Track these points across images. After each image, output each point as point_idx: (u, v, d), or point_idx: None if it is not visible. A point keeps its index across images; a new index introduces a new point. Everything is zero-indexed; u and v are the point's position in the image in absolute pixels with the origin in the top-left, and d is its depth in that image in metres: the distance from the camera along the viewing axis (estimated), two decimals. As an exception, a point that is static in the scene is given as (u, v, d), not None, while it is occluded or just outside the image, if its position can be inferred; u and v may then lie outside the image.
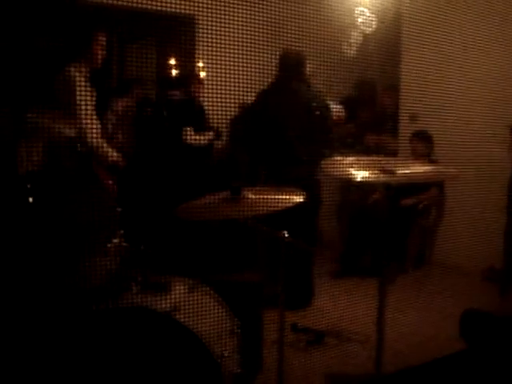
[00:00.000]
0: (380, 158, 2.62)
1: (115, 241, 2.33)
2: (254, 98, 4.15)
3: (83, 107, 3.42)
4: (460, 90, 5.29)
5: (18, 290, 2.51)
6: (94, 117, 3.54)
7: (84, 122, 3.44)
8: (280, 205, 2.37)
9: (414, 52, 5.64)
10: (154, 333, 2.17)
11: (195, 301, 2.40)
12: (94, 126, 3.54)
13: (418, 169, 2.50)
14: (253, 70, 4.29)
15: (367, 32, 3.42)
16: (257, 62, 4.15)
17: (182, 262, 3.84)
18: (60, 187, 2.88)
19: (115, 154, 3.69)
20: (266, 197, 2.45)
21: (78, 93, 3.39)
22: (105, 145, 3.63)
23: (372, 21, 3.34)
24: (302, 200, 2.44)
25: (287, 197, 2.45)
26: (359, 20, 3.38)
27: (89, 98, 3.51)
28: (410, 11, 5.58)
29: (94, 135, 3.54)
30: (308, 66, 4.27)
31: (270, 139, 3.94)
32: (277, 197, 2.46)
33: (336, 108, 5.01)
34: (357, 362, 3.39)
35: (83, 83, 3.46)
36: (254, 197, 2.42)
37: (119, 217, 2.44)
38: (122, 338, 2.17)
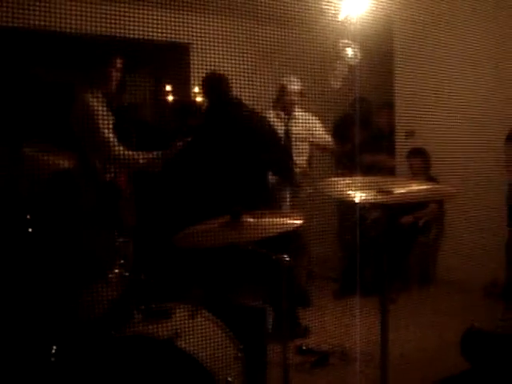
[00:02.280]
0: (377, 178, 2.64)
1: (116, 270, 2.35)
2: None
3: (107, 133, 3.45)
4: (456, 104, 5.33)
5: (20, 320, 2.52)
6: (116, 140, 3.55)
7: (113, 148, 3.45)
8: (280, 228, 2.39)
9: (408, 68, 5.70)
10: (157, 361, 2.17)
11: (197, 327, 2.40)
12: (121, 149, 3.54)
13: (415, 188, 2.51)
14: (246, 95, 4.32)
15: (352, 63, 3.43)
16: (249, 87, 4.18)
17: (184, 289, 3.85)
18: (59, 218, 2.91)
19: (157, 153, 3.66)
20: (265, 220, 2.47)
21: (99, 120, 3.41)
22: (144, 157, 3.59)
23: (357, 52, 3.36)
24: (301, 222, 2.45)
25: (287, 220, 2.47)
26: (345, 52, 3.40)
27: (109, 123, 3.52)
28: (402, 29, 5.66)
29: (127, 155, 3.52)
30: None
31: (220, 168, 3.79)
32: (277, 220, 2.48)
33: (325, 139, 5.08)
34: (362, 382, 3.38)
35: (102, 109, 3.48)
36: (253, 221, 2.44)
37: (119, 246, 2.46)
38: (125, 366, 2.17)
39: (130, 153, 3.58)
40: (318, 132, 5.05)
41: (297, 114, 4.97)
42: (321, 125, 5.09)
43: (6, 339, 2.46)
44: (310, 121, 5.04)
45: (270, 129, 4.19)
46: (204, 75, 4.00)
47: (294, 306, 4.09)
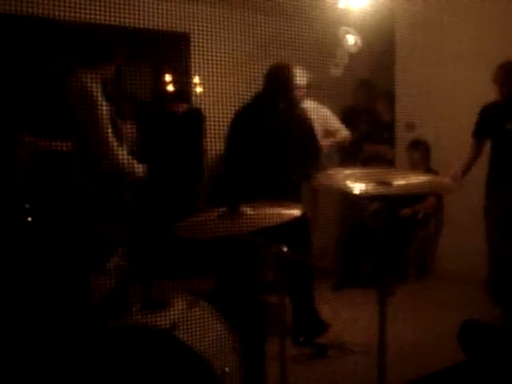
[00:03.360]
0: (376, 170, 2.62)
1: (114, 259, 2.34)
2: (236, 112, 4.00)
3: (106, 121, 3.42)
4: (457, 96, 5.31)
5: (18, 309, 2.52)
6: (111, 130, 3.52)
7: (110, 138, 3.42)
8: (278, 219, 2.38)
9: (409, 59, 5.68)
10: (154, 351, 2.17)
11: (195, 317, 2.40)
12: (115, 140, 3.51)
13: (414, 179, 2.50)
14: (246, 85, 4.28)
15: (353, 51, 3.38)
16: (250, 77, 4.13)
17: (182, 278, 3.84)
18: (54, 204, 2.89)
19: (141, 167, 3.64)
20: (263, 211, 2.45)
21: (99, 106, 3.39)
22: (130, 159, 3.57)
23: (357, 40, 3.31)
24: (299, 213, 2.44)
25: (285, 211, 2.45)
26: (345, 39, 3.35)
27: (106, 111, 3.51)
28: (404, 20, 5.62)
29: (120, 151, 3.50)
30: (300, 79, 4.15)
31: (253, 158, 3.74)
32: (275, 211, 2.47)
33: (343, 131, 5.00)
34: (360, 374, 3.38)
35: (101, 95, 3.46)
36: (251, 212, 2.42)
37: (118, 235, 2.45)
38: (122, 356, 2.17)
39: (127, 156, 3.56)
40: (333, 123, 4.95)
41: (309, 106, 4.85)
42: (334, 116, 4.98)
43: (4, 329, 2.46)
44: (323, 112, 4.94)
45: (310, 124, 4.11)
46: (271, 65, 3.89)
47: (312, 302, 4.04)
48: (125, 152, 3.52)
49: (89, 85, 3.37)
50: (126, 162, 3.48)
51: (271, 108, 3.78)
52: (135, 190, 3.91)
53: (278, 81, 3.83)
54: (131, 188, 3.67)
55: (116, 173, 3.42)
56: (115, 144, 3.41)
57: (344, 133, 4.94)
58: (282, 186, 3.56)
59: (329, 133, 4.87)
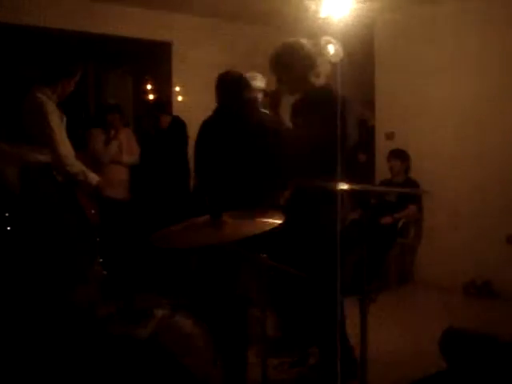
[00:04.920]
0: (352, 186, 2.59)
1: (94, 269, 2.33)
2: (199, 126, 3.99)
3: (57, 131, 3.48)
4: (437, 107, 5.37)
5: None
6: (67, 141, 3.58)
7: (61, 146, 3.49)
8: (260, 228, 2.37)
9: (389, 69, 5.73)
10: (136, 360, 2.15)
11: (177, 327, 2.39)
12: (70, 150, 3.57)
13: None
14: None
15: (334, 61, 3.35)
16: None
17: (164, 288, 3.82)
18: (37, 213, 2.87)
19: (95, 176, 3.70)
20: (246, 220, 2.45)
21: (50, 117, 3.45)
22: (84, 168, 3.64)
23: (339, 49, 3.30)
24: (281, 222, 2.43)
25: (267, 220, 2.45)
26: (326, 49, 3.32)
27: (59, 122, 3.56)
28: (384, 30, 5.68)
29: (72, 159, 3.57)
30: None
31: (221, 169, 3.69)
32: (257, 219, 2.46)
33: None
34: (341, 382, 3.38)
35: (53, 108, 3.51)
36: (233, 220, 2.42)
37: (98, 245, 2.43)
38: (104, 366, 2.15)
39: (77, 164, 3.61)
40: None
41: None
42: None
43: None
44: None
45: (280, 130, 4.05)
46: (218, 75, 3.81)
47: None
48: (78, 162, 3.59)
49: (44, 102, 3.45)
50: (78, 170, 3.55)
51: (227, 119, 3.72)
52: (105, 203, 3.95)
53: (227, 91, 3.74)
54: (89, 197, 3.69)
55: (70, 182, 3.49)
56: (65, 153, 3.46)
57: None
58: (252, 195, 3.54)
59: None
